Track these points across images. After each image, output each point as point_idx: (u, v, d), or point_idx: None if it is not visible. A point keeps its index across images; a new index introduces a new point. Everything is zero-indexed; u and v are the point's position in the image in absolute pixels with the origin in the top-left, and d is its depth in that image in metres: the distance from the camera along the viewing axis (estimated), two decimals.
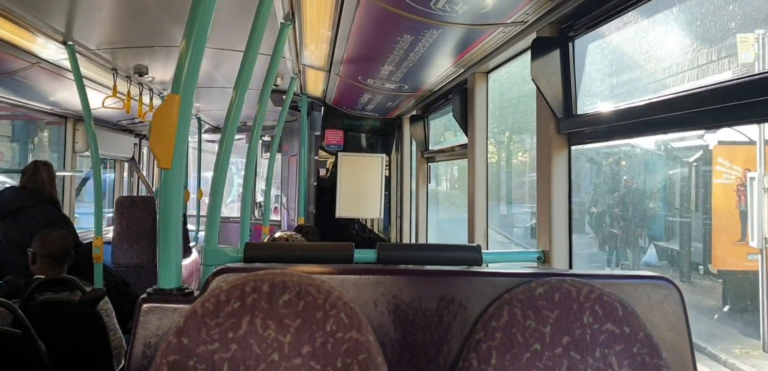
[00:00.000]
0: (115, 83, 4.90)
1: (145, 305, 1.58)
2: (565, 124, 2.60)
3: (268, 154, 9.53)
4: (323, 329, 1.42)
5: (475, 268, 1.98)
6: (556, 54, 2.62)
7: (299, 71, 4.89)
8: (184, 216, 6.64)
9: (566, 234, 2.65)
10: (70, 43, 3.95)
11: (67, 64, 4.15)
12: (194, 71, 1.71)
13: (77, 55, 4.08)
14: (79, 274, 3.61)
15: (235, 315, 1.40)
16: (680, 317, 1.68)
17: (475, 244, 2.26)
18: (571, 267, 2.66)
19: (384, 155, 6.48)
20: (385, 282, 1.64)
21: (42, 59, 4.25)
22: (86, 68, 4.57)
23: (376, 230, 7.33)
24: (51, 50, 4.08)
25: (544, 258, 2.66)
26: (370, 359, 1.41)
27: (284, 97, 5.05)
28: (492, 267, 2.15)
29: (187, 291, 1.67)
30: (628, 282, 1.69)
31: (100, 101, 4.98)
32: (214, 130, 9.57)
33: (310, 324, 1.42)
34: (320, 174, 7.71)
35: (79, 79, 4.10)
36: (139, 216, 5.67)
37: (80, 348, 3.24)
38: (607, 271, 1.79)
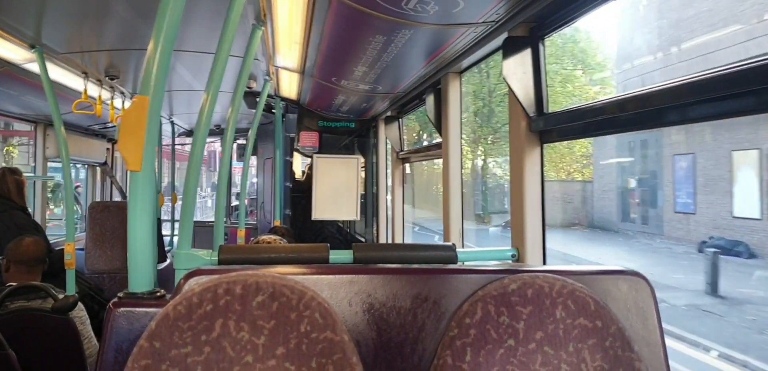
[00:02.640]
0: (86, 87, 4.84)
1: (116, 309, 1.56)
2: (537, 122, 2.62)
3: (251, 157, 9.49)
4: (297, 330, 1.41)
5: (450, 266, 1.99)
6: (527, 53, 2.65)
7: (273, 73, 4.87)
8: (159, 221, 6.61)
9: (540, 231, 2.67)
10: (39, 47, 3.89)
11: (36, 68, 4.09)
12: (163, 73, 1.69)
13: (46, 59, 4.02)
14: (53, 281, 3.56)
15: (208, 318, 1.39)
16: (651, 309, 1.71)
17: (450, 243, 2.27)
18: (545, 263, 2.69)
19: (360, 156, 6.47)
20: (360, 281, 1.64)
21: (10, 63, 4.18)
22: (56, 72, 4.51)
23: (357, 232, 7.33)
24: (19, 54, 4.01)
25: (518, 255, 2.68)
26: (344, 358, 1.41)
27: (258, 99, 5.03)
28: (466, 265, 2.16)
29: (158, 294, 1.65)
30: (599, 277, 1.72)
31: (70, 106, 4.92)
32: (189, 133, 9.49)
33: (284, 325, 1.41)
34: (296, 177, 7.69)
35: (49, 84, 4.04)
36: (112, 222, 5.61)
37: (53, 357, 3.19)
38: (580, 267, 1.80)
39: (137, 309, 1.57)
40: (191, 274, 1.58)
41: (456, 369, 1.47)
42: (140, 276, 1.66)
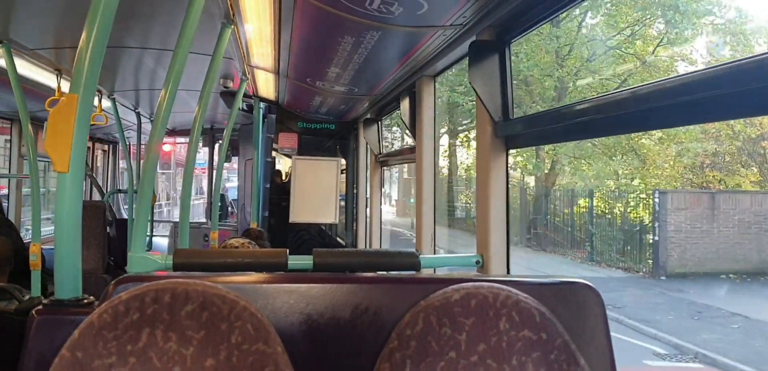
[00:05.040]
0: (59, 84, 4.77)
1: (38, 317, 1.50)
2: (503, 127, 2.58)
3: (235, 158, 9.40)
4: (228, 341, 1.36)
5: (401, 274, 1.94)
6: (493, 58, 2.60)
7: (249, 73, 4.81)
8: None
9: (504, 237, 2.63)
10: (6, 42, 3.82)
11: (3, 64, 4.02)
12: (94, 69, 1.62)
13: (15, 55, 3.95)
14: (23, 280, 3.50)
15: (134, 327, 1.33)
16: (599, 320, 1.67)
17: (412, 249, 2.22)
18: (508, 270, 2.64)
19: (340, 159, 6.43)
20: (300, 291, 1.59)
21: None
22: (27, 69, 4.43)
23: (339, 235, 7.27)
24: None
25: (483, 262, 2.64)
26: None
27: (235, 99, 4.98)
28: (422, 274, 2.10)
29: (86, 301, 1.60)
30: (547, 287, 1.67)
31: (44, 103, 4.85)
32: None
33: (214, 336, 1.36)
34: (278, 180, 7.63)
35: (16, 80, 3.97)
36: (87, 222, 5.53)
37: (16, 360, 3.12)
38: (530, 277, 1.76)
39: (62, 317, 1.51)
40: (121, 281, 1.52)
41: None
42: (66, 281, 1.60)
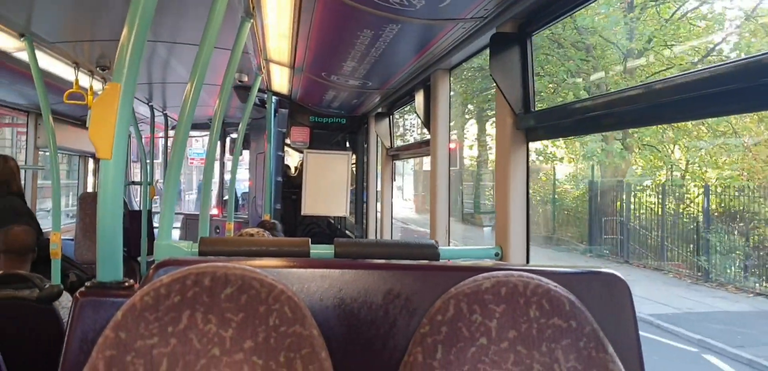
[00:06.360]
0: (77, 77, 4.82)
1: (82, 299, 1.54)
2: (524, 120, 2.60)
3: (245, 152, 9.44)
4: (266, 323, 1.39)
5: (426, 263, 1.97)
6: (514, 50, 2.63)
7: (264, 67, 4.85)
8: (150, 213, 6.58)
9: (524, 230, 2.66)
10: (28, 35, 3.87)
11: (26, 57, 4.07)
12: (136, 59, 1.67)
13: (36, 48, 4.00)
14: (46, 268, 3.55)
15: (175, 309, 1.37)
16: (627, 310, 1.69)
17: (432, 241, 2.25)
18: (528, 262, 2.67)
19: (350, 153, 6.46)
20: (331, 276, 1.62)
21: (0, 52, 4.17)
22: (46, 62, 4.48)
23: (348, 229, 7.30)
24: (8, 43, 3.99)
25: (502, 254, 2.67)
26: (313, 353, 1.39)
27: (250, 93, 5.02)
28: (433, 263, 2.13)
29: (127, 284, 1.63)
30: (576, 277, 1.70)
31: (62, 96, 4.90)
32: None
33: (253, 319, 1.39)
34: (288, 173, 7.66)
35: (38, 73, 4.02)
36: None
37: (37, 346, 3.17)
38: (557, 267, 1.79)
39: (104, 299, 1.55)
40: (161, 264, 1.56)
41: (426, 366, 1.45)
42: (108, 266, 1.64)
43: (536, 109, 2.61)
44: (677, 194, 15.67)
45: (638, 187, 17.02)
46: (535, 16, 2.52)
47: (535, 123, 2.55)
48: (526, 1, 2.40)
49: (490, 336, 1.48)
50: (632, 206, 16.78)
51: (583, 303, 1.53)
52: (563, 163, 19.75)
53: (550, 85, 17.28)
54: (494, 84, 2.68)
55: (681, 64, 14.86)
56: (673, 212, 15.21)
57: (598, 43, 16.77)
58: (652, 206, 16.02)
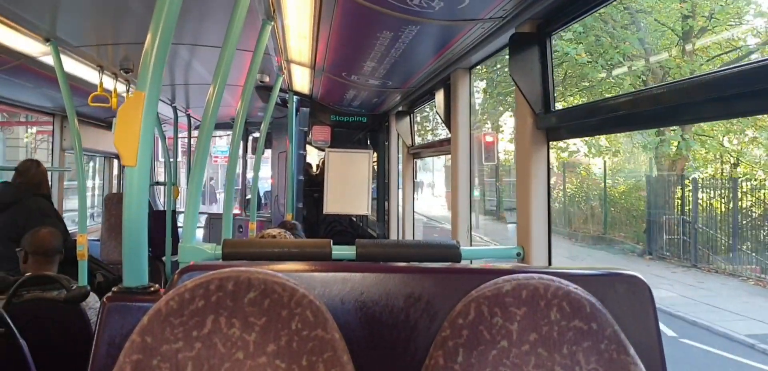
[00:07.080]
0: (101, 80, 4.89)
1: (109, 303, 1.58)
2: (544, 119, 2.60)
3: (267, 151, 9.50)
4: (288, 327, 1.41)
5: (446, 265, 1.98)
6: (534, 50, 2.63)
7: (285, 68, 4.89)
8: (174, 213, 6.67)
9: (545, 230, 2.65)
10: (54, 40, 3.94)
11: (52, 61, 4.15)
12: (159, 67, 1.70)
13: (61, 52, 4.07)
14: (72, 270, 3.62)
15: (200, 314, 1.40)
16: (649, 312, 1.69)
17: (454, 241, 2.26)
18: (550, 263, 2.67)
19: (371, 151, 6.48)
20: (353, 279, 1.64)
21: (26, 56, 4.24)
22: (71, 65, 4.55)
23: (369, 227, 7.32)
24: (34, 48, 4.06)
25: (523, 254, 2.67)
26: (335, 357, 1.41)
27: (271, 94, 5.06)
28: (464, 265, 2.14)
29: (152, 289, 1.67)
30: (597, 279, 1.70)
31: (86, 99, 4.98)
32: None
33: (276, 323, 1.41)
34: (310, 172, 7.70)
35: (63, 77, 4.09)
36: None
37: (65, 347, 3.24)
38: (578, 268, 1.78)
39: (131, 303, 1.58)
40: (185, 270, 1.59)
41: (448, 370, 1.46)
42: (134, 271, 1.67)
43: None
44: (751, 189, 14.05)
45: (706, 182, 15.47)
46: (554, 15, 2.51)
47: (556, 122, 2.55)
48: (545, 1, 2.39)
49: (511, 339, 1.48)
50: (700, 203, 15.04)
51: (604, 305, 1.53)
52: (618, 157, 18.34)
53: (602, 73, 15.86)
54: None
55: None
56: (744, 210, 13.65)
57: (649, 26, 15.73)
58: (723, 202, 14.40)
